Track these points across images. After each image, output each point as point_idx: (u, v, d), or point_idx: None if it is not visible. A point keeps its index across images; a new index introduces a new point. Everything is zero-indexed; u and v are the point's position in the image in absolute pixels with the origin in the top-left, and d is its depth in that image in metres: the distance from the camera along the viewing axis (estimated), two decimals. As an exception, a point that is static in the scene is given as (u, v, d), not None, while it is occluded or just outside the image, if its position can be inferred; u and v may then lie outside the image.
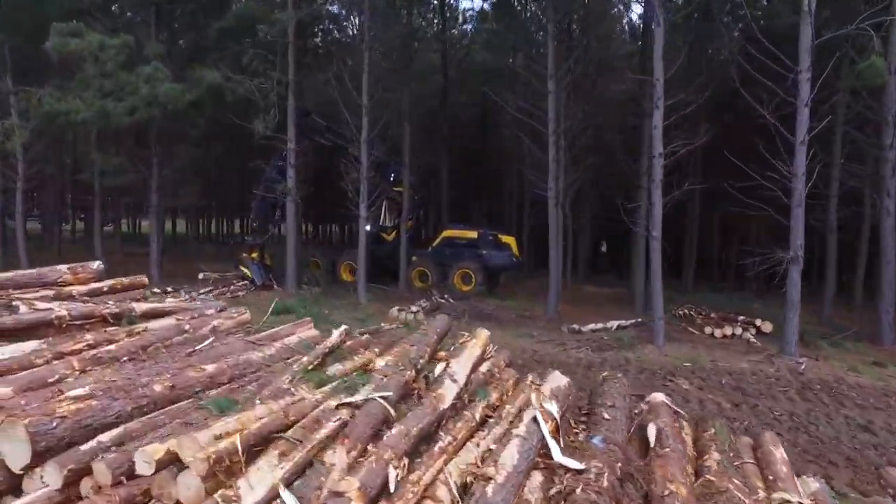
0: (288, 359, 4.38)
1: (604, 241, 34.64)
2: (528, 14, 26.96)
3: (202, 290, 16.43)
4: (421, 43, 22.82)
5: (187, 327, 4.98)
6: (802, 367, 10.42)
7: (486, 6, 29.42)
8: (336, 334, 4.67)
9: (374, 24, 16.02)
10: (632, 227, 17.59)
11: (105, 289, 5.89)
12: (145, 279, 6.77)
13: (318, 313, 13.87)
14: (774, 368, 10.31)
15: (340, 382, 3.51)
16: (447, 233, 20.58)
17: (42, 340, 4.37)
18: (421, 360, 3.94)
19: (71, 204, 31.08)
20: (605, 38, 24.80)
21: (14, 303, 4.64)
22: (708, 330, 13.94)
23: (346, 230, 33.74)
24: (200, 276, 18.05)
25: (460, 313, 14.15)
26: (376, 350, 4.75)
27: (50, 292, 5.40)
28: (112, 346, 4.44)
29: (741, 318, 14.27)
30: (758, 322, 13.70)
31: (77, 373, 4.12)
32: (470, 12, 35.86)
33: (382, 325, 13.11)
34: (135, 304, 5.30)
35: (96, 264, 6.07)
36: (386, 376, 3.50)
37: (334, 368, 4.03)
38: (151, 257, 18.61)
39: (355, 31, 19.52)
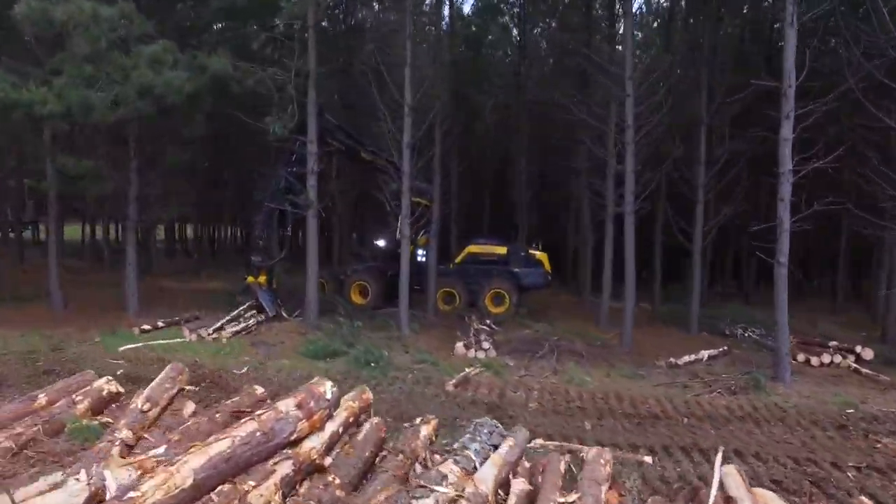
0: None
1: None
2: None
3: (210, 328, 13.35)
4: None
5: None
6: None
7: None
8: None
9: (417, 12, 13.72)
10: (688, 247, 16.43)
11: (341, 430, 3.44)
12: (369, 395, 4.30)
13: (379, 356, 11.42)
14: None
15: None
16: (472, 248, 18.53)
17: None
18: None
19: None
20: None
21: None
22: (801, 357, 12.87)
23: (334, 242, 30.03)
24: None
25: (549, 350, 12.18)
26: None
27: (289, 466, 2.92)
28: None
29: (832, 343, 13.34)
30: (857, 349, 12.78)
31: None
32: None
33: (467, 370, 10.90)
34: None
35: (328, 389, 3.59)
36: None
37: None
38: (127, 282, 15.14)
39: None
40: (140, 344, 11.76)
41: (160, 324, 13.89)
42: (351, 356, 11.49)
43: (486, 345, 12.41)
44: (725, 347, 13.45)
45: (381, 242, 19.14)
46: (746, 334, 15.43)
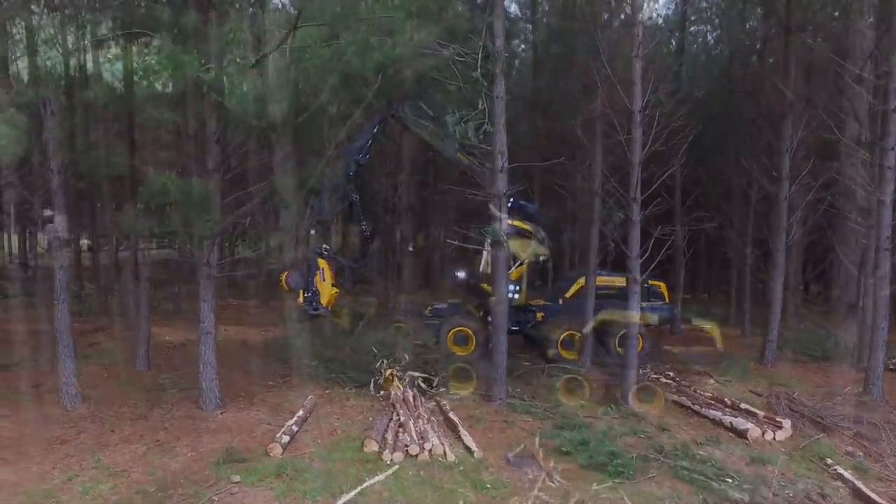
0: None
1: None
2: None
3: (407, 436, 8.70)
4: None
5: None
6: None
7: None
8: None
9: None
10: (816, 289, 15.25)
11: None
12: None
13: (716, 463, 8.14)
14: None
15: None
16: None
17: None
18: None
19: None
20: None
21: None
22: None
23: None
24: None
25: (859, 421, 9.73)
26: None
27: None
28: None
29: None
30: None
31: None
32: None
33: (842, 471, 8.09)
34: None
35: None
36: None
37: None
38: (203, 362, 9.59)
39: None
40: (353, 492, 6.96)
41: (293, 427, 8.89)
42: (672, 468, 7.98)
43: (784, 423, 9.66)
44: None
45: (461, 274, 15.34)
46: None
